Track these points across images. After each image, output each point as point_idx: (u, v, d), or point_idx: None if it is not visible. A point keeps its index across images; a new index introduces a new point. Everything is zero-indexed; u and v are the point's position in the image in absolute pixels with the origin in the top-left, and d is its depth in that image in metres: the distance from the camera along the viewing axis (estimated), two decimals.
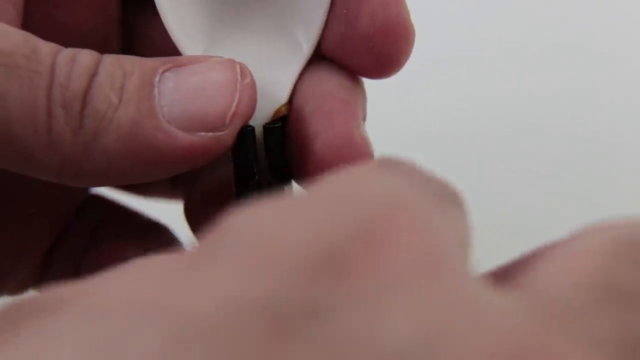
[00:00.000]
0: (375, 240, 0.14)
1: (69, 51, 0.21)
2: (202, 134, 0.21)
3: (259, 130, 0.23)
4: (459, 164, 0.44)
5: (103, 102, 0.21)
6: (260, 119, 0.23)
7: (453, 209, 0.16)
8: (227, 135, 0.22)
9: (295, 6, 0.24)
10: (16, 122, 0.21)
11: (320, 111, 0.23)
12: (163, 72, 0.22)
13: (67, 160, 0.21)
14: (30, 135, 0.21)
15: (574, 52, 0.47)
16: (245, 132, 0.23)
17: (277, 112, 0.23)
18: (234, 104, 0.22)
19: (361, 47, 0.23)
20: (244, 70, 0.22)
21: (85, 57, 0.21)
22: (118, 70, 0.21)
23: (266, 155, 0.23)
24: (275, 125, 0.23)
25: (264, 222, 0.14)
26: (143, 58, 0.22)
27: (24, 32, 0.21)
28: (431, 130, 0.45)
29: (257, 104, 0.23)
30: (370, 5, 0.23)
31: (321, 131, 0.23)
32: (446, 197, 0.16)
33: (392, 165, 0.17)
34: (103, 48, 0.22)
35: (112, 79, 0.21)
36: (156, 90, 0.21)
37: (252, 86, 0.22)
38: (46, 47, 0.21)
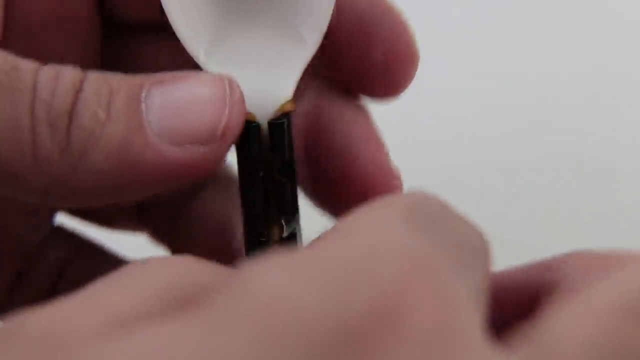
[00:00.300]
0: (391, 312, 0.14)
1: (51, 68, 0.21)
2: (193, 149, 0.21)
3: (263, 127, 0.23)
4: (456, 171, 0.44)
5: (90, 118, 0.21)
6: (264, 115, 0.23)
7: (474, 265, 0.16)
8: (219, 149, 0.21)
9: (300, 2, 0.24)
10: (0, 142, 0.20)
11: (351, 139, 0.24)
12: (149, 88, 0.21)
13: (55, 181, 0.20)
14: (16, 156, 0.20)
15: (575, 53, 0.47)
16: (250, 128, 0.22)
17: (281, 107, 0.23)
18: (224, 119, 0.21)
19: (374, 73, 0.24)
20: (232, 85, 0.22)
21: (69, 73, 0.21)
22: (104, 87, 0.21)
23: (272, 152, 0.23)
24: (281, 121, 0.23)
25: (277, 283, 0.14)
26: (128, 75, 0.22)
27: (2, 51, 0.21)
28: (428, 138, 0.45)
29: (262, 100, 0.23)
30: (382, 33, 0.24)
31: (355, 159, 0.24)
32: (469, 247, 0.17)
33: (417, 208, 0.17)
34: None
35: (99, 96, 0.21)
36: (143, 106, 0.21)
37: (241, 101, 0.22)
38: (26, 65, 0.21)
